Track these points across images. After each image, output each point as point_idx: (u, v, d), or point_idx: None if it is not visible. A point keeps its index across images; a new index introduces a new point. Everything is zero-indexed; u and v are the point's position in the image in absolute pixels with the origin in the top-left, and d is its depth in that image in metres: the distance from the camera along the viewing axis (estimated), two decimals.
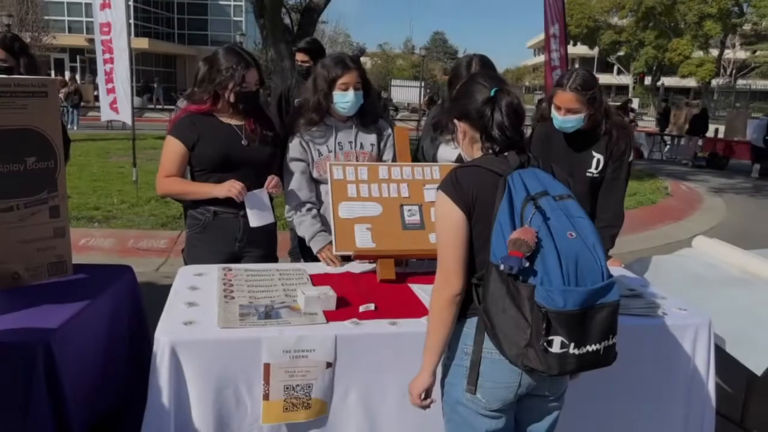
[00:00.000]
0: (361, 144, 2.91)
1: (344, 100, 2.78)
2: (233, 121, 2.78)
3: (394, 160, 2.92)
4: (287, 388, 2.07)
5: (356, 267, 2.70)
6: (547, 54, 10.65)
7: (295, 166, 2.83)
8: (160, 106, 24.13)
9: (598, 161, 2.84)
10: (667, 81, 43.10)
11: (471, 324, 1.78)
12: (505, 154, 1.77)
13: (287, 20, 14.01)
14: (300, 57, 4.68)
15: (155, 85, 33.03)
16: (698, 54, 38.17)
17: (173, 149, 2.72)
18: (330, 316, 2.17)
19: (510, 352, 1.64)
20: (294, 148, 2.83)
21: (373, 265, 2.66)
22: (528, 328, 1.59)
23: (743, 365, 2.59)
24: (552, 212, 1.65)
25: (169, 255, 5.59)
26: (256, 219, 2.71)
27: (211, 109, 2.75)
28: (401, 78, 47.44)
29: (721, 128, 17.66)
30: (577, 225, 1.65)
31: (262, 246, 2.87)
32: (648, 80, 44.80)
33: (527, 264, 1.56)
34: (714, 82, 41.23)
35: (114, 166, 10.34)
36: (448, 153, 2.91)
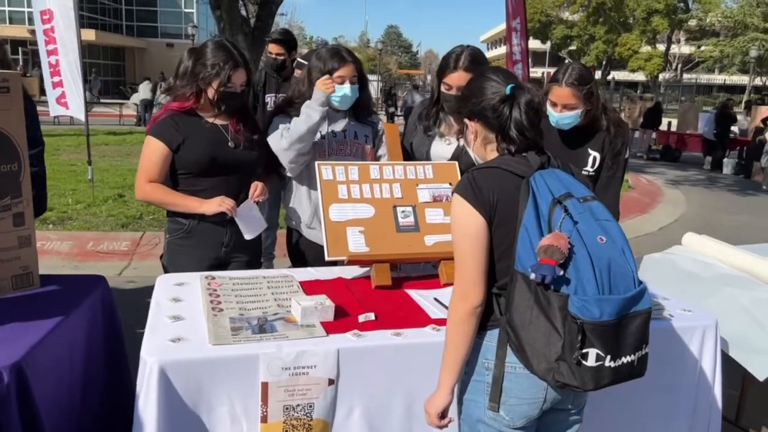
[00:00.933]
0: (355, 133, 2.80)
1: (341, 93, 2.65)
2: (218, 121, 2.60)
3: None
4: (287, 408, 1.91)
5: (348, 271, 2.56)
6: (508, 47, 10.67)
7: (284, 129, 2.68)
8: (96, 99, 23.10)
9: (594, 159, 2.76)
10: (617, 75, 44.02)
11: (491, 337, 1.66)
12: (524, 154, 1.66)
13: (244, 12, 13.65)
14: (274, 49, 4.46)
15: (92, 77, 31.74)
16: (646, 49, 39.10)
17: (155, 151, 2.52)
18: (329, 328, 2.03)
19: (539, 367, 1.53)
20: (282, 120, 2.70)
21: (365, 269, 2.52)
22: (560, 340, 1.48)
23: (739, 364, 2.57)
24: (579, 216, 1.55)
25: (131, 258, 5.32)
26: (249, 231, 2.60)
27: (194, 107, 2.56)
28: None
29: (674, 121, 18.09)
30: (605, 228, 1.55)
31: (248, 251, 2.71)
32: (598, 74, 45.67)
33: (561, 272, 1.45)
34: (661, 77, 42.31)
35: (65, 164, 9.86)
36: (441, 150, 2.78)
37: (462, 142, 2.79)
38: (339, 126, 2.77)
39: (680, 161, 15.77)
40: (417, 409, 2.00)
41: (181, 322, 2.04)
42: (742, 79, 38.67)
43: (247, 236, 2.61)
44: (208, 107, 2.58)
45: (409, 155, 2.81)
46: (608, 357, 1.47)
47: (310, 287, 2.38)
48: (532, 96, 1.66)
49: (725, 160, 14.08)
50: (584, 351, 1.46)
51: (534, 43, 48.24)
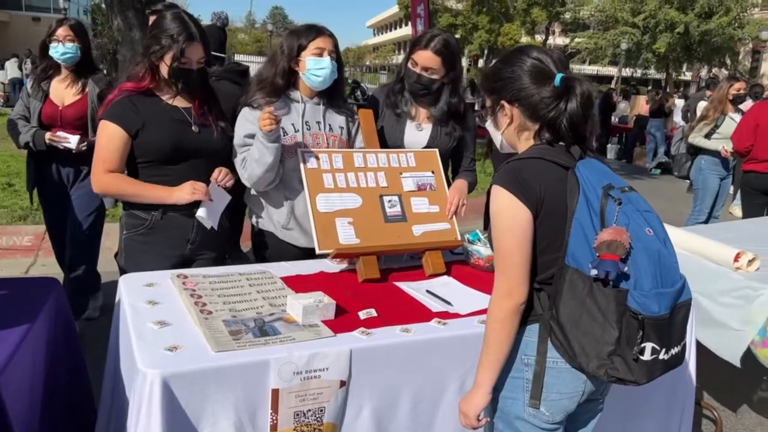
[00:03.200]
0: (330, 126, 2.56)
1: (319, 66, 2.42)
2: (179, 103, 2.36)
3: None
4: (298, 414, 1.79)
5: (325, 265, 2.42)
6: (414, 33, 10.81)
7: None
8: None
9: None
10: None
11: (531, 332, 1.61)
12: (561, 143, 1.61)
13: None
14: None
15: None
16: (526, 39, 40.84)
17: (113, 137, 2.25)
18: (333, 327, 1.91)
19: (589, 363, 1.50)
20: (249, 122, 2.41)
21: (345, 264, 2.40)
22: (615, 335, 1.46)
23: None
24: (626, 207, 1.52)
25: (37, 254, 4.80)
26: (212, 219, 2.38)
27: (151, 87, 2.30)
28: (244, 53, 45.76)
29: None
30: (648, 220, 1.54)
31: (214, 247, 2.49)
32: (481, 62, 47.20)
33: (625, 268, 1.42)
34: None
35: None
36: (416, 137, 2.70)
37: (434, 128, 2.73)
38: (312, 115, 2.54)
39: None
40: (425, 405, 1.95)
41: (170, 328, 1.84)
42: (610, 70, 41.47)
43: (211, 224, 2.39)
44: (166, 86, 2.34)
45: (382, 140, 2.69)
46: (663, 350, 1.47)
47: (295, 283, 2.23)
48: (588, 87, 1.57)
49: (608, 146, 14.99)
50: (642, 346, 1.45)
51: (411, 32, 49.06)
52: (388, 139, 2.71)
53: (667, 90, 23.47)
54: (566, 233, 1.51)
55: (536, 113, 1.60)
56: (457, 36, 46.23)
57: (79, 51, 3.37)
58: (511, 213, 1.53)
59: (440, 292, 2.24)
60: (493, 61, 1.77)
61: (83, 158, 3.31)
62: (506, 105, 1.64)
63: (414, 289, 2.26)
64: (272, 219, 2.56)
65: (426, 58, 2.61)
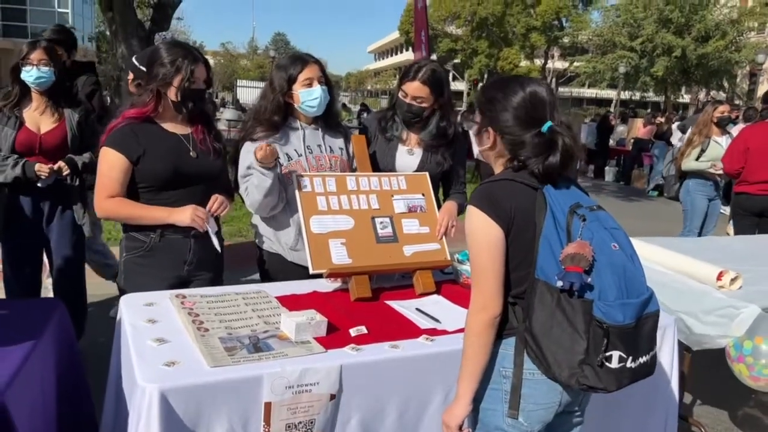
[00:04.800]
0: (330, 147, 2.70)
1: (311, 96, 2.55)
2: (178, 130, 2.48)
3: None
4: (289, 426, 1.87)
5: (319, 285, 2.52)
6: (420, 57, 10.99)
7: None
8: None
9: None
10: None
11: (508, 345, 1.70)
12: None
13: (140, 14, 13.03)
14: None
15: None
16: (526, 63, 41.27)
17: (115, 164, 2.35)
18: (324, 343, 2.00)
19: (561, 373, 1.59)
20: (251, 153, 2.49)
21: (338, 283, 2.50)
22: (583, 345, 1.55)
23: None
24: (592, 224, 1.63)
25: None
26: (217, 242, 2.48)
27: (153, 115, 2.42)
28: (247, 78, 46.32)
29: None
30: (615, 236, 1.64)
31: (210, 268, 2.59)
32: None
33: (588, 279, 1.52)
34: None
35: None
36: (407, 161, 2.82)
37: (424, 153, 2.84)
38: (313, 140, 2.67)
39: None
40: (410, 416, 2.02)
41: (168, 345, 1.93)
42: (609, 93, 41.84)
43: (219, 247, 2.50)
44: (167, 115, 2.46)
45: (374, 163, 2.80)
46: (629, 358, 1.56)
47: (289, 302, 2.32)
48: (569, 142, 1.64)
49: (606, 168, 15.15)
50: (608, 354, 1.53)
51: (414, 56, 49.58)
52: (380, 163, 2.82)
53: (666, 113, 23.70)
54: (535, 249, 1.61)
55: (516, 151, 1.70)
56: (457, 61, 46.76)
57: (53, 75, 3.22)
58: (484, 231, 1.64)
59: (429, 310, 2.33)
60: (491, 81, 1.85)
61: (61, 193, 3.31)
62: (491, 131, 1.74)
63: (404, 307, 2.35)
64: (280, 241, 2.66)
65: (415, 89, 2.73)
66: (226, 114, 19.00)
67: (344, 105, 23.27)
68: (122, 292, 2.47)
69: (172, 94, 2.40)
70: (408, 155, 2.84)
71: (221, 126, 16.99)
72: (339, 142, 2.75)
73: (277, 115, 2.57)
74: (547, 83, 1.82)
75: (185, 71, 2.36)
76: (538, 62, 43.25)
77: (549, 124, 1.65)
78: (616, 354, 1.54)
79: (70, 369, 2.19)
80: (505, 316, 1.70)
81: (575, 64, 38.30)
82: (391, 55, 70.02)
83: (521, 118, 1.66)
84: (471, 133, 1.87)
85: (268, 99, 2.58)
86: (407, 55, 53.88)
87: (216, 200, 2.51)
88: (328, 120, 2.72)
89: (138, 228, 2.44)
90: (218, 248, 2.50)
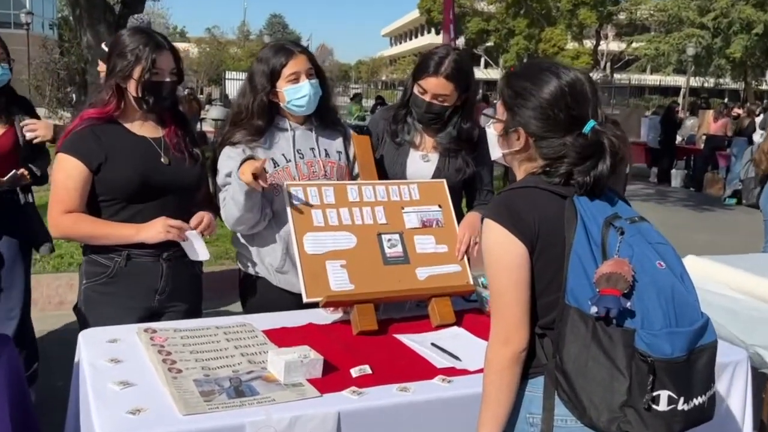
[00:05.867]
0: (326, 151, 2.73)
1: (299, 94, 2.57)
2: (148, 133, 2.54)
3: None
4: None
5: (314, 315, 2.54)
6: (447, 40, 11.14)
7: None
8: None
9: None
10: None
11: (535, 386, 1.72)
12: None
13: None
14: None
15: None
16: (573, 45, 41.21)
17: (72, 173, 2.41)
18: (319, 386, 2.02)
19: (599, 418, 1.60)
20: (232, 159, 2.55)
21: (337, 313, 2.53)
22: (625, 383, 1.56)
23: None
24: (632, 238, 1.64)
25: None
26: (202, 252, 2.52)
27: (116, 114, 2.48)
28: (237, 70, 46.79)
29: None
30: (661, 252, 1.66)
31: (186, 298, 2.64)
32: None
33: (627, 303, 1.53)
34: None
35: None
36: (420, 168, 2.85)
37: (441, 158, 2.86)
38: (304, 142, 2.69)
39: None
40: None
41: (133, 389, 1.97)
42: (676, 80, 41.70)
43: (203, 256, 2.55)
44: (134, 115, 2.52)
45: (381, 171, 2.83)
46: (681, 399, 1.56)
47: (278, 337, 2.35)
48: (616, 140, 1.66)
49: (673, 171, 15.07)
50: (655, 394, 1.54)
51: (445, 38, 49.79)
52: (388, 171, 2.86)
53: (746, 103, 23.55)
54: (565, 269, 1.62)
55: (553, 157, 1.70)
56: (490, 44, 46.93)
57: (10, 72, 3.29)
58: (503, 249, 1.66)
59: (447, 345, 2.35)
60: (519, 69, 1.85)
61: (9, 213, 3.30)
62: (522, 132, 1.74)
63: (417, 342, 2.37)
64: (264, 262, 2.69)
65: (436, 85, 2.72)
66: (213, 112, 19.17)
67: (357, 95, 23.36)
68: (82, 326, 2.51)
69: (132, 88, 2.45)
70: (422, 161, 2.87)
71: (207, 127, 17.19)
72: (336, 144, 2.78)
73: (261, 119, 2.60)
74: (585, 71, 1.83)
75: (146, 60, 2.41)
76: (589, 44, 43.14)
77: (592, 123, 1.66)
78: (664, 394, 1.54)
79: (21, 420, 2.23)
80: (532, 350, 1.71)
81: (634, 45, 38.14)
82: (410, 39, 70.47)
83: (558, 116, 1.68)
84: (488, 132, 1.88)
85: (248, 99, 2.61)
86: (429, 38, 54.08)
87: (201, 218, 2.55)
88: (323, 117, 2.74)
89: (100, 249, 2.49)
90: (206, 254, 2.53)
